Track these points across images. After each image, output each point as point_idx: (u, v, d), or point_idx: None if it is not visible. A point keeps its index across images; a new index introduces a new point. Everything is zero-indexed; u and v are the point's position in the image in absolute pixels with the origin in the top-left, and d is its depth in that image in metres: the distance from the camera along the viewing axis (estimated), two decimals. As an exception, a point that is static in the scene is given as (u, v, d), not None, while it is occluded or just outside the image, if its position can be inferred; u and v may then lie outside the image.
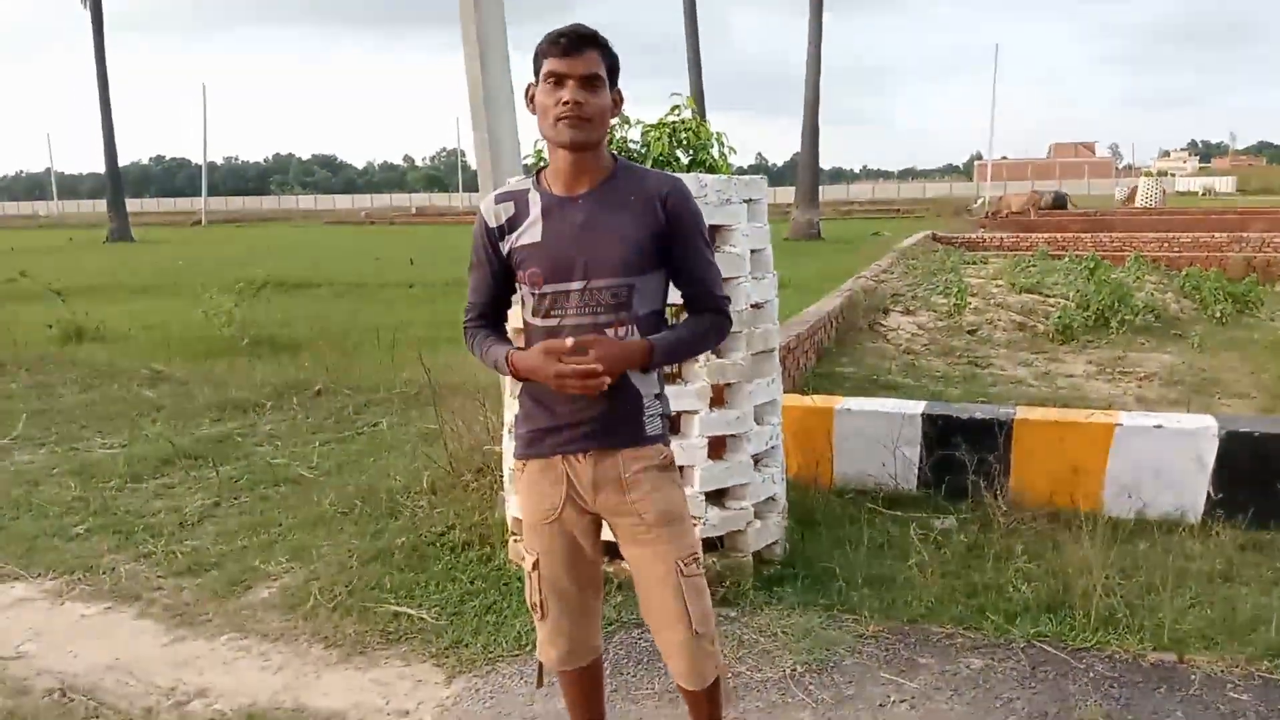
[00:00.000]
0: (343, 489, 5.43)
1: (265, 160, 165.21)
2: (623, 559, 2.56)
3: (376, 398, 7.72)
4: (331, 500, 5.24)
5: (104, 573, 4.47)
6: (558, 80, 2.26)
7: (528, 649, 3.61)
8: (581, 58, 2.25)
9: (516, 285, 2.46)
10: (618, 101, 2.37)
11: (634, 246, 2.32)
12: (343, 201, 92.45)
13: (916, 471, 5.11)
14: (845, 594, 3.99)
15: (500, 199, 2.43)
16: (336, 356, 9.11)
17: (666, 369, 2.61)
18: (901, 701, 3.26)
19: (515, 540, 4.33)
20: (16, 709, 3.29)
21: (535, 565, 2.51)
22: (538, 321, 2.39)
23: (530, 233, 2.36)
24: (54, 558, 4.64)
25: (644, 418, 2.43)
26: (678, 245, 2.39)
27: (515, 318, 2.56)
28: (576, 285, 2.32)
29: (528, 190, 2.41)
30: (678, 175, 2.76)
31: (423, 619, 3.89)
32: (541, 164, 4.69)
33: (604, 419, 2.38)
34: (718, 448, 4.12)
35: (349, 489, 5.41)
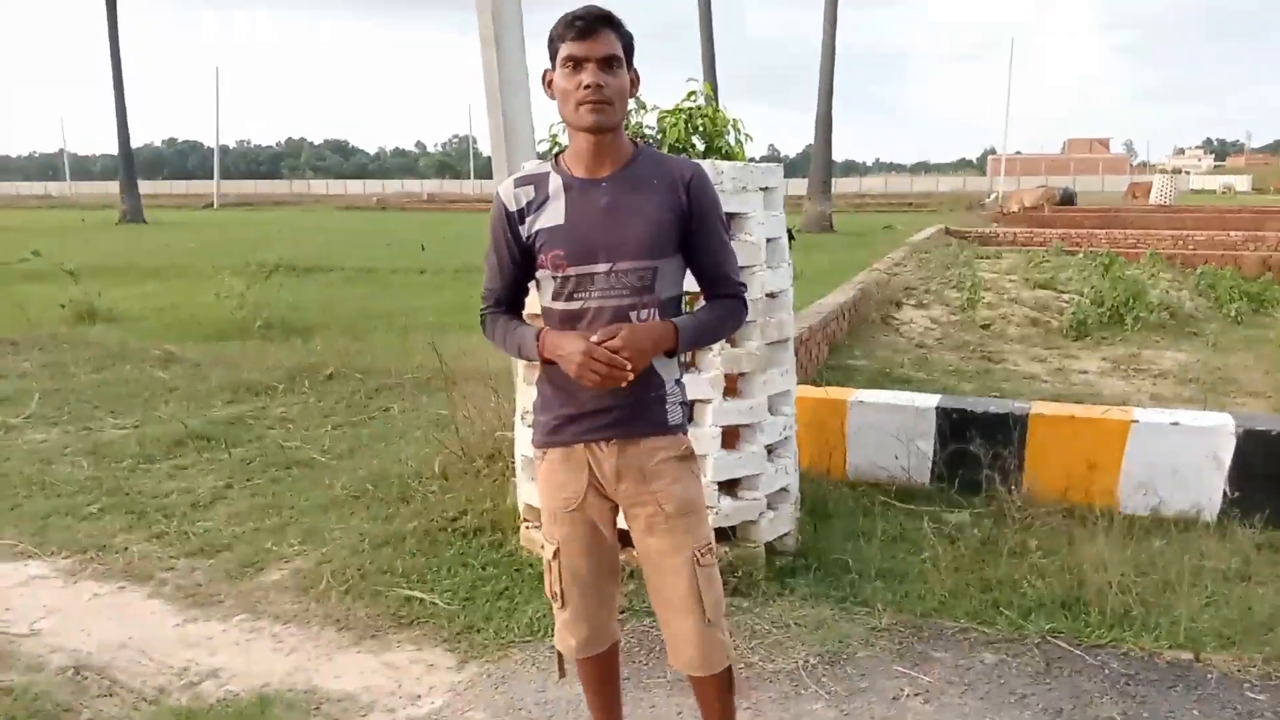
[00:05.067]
0: (354, 473, 5.43)
1: (277, 144, 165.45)
2: (633, 547, 2.54)
3: (388, 383, 7.72)
4: (343, 484, 5.24)
5: (117, 552, 4.48)
6: (576, 64, 2.24)
7: (540, 635, 3.61)
8: (598, 40, 2.23)
9: (535, 270, 2.42)
10: (635, 80, 2.35)
11: (658, 228, 2.31)
12: (354, 186, 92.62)
13: (930, 465, 5.09)
14: (858, 586, 3.97)
15: (519, 183, 2.39)
16: (348, 341, 9.13)
17: (683, 356, 2.59)
18: (915, 695, 3.24)
19: (527, 526, 4.33)
20: (31, 685, 3.30)
21: (555, 554, 2.50)
22: (559, 305, 2.36)
23: (552, 215, 2.33)
24: (67, 537, 4.65)
25: (666, 405, 2.42)
26: (698, 228, 2.37)
27: (532, 304, 2.53)
28: (602, 268, 2.30)
29: (547, 173, 2.38)
30: (697, 160, 2.74)
31: (434, 604, 3.88)
32: (558, 148, 4.66)
33: (628, 407, 2.37)
34: (731, 437, 4.11)
35: (361, 473, 5.42)
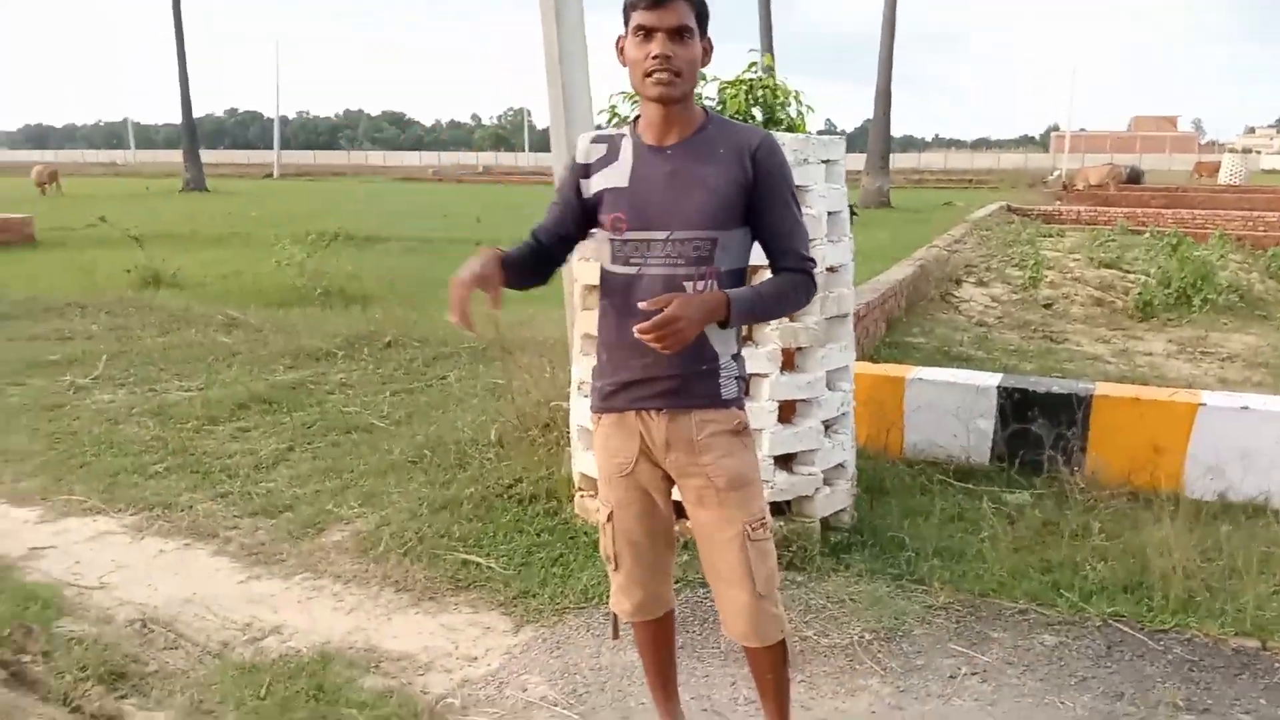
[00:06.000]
0: (412, 439, 5.50)
1: (336, 116, 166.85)
2: (687, 518, 2.54)
3: (445, 351, 7.78)
4: (401, 449, 5.31)
5: (182, 510, 4.59)
6: (647, 33, 2.22)
7: (594, 601, 3.63)
8: (671, 9, 2.21)
9: (595, 229, 2.43)
10: (707, 50, 2.33)
11: (720, 199, 2.29)
12: (410, 158, 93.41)
13: (990, 445, 5.02)
14: (914, 564, 3.94)
15: (595, 140, 2.42)
16: (406, 310, 9.20)
17: (742, 330, 2.56)
18: (972, 674, 3.21)
19: (581, 495, 4.35)
20: (101, 636, 3.40)
21: (610, 518, 2.52)
22: (616, 268, 2.36)
23: (617, 176, 2.34)
24: (134, 494, 4.77)
25: (720, 379, 2.40)
26: (763, 200, 2.34)
27: (591, 274, 2.52)
28: (660, 235, 2.29)
29: (623, 135, 2.39)
30: (768, 131, 2.71)
31: (491, 568, 3.93)
32: (616, 118, 4.64)
33: (679, 377, 2.36)
34: (787, 412, 4.08)
35: (418, 439, 5.48)
